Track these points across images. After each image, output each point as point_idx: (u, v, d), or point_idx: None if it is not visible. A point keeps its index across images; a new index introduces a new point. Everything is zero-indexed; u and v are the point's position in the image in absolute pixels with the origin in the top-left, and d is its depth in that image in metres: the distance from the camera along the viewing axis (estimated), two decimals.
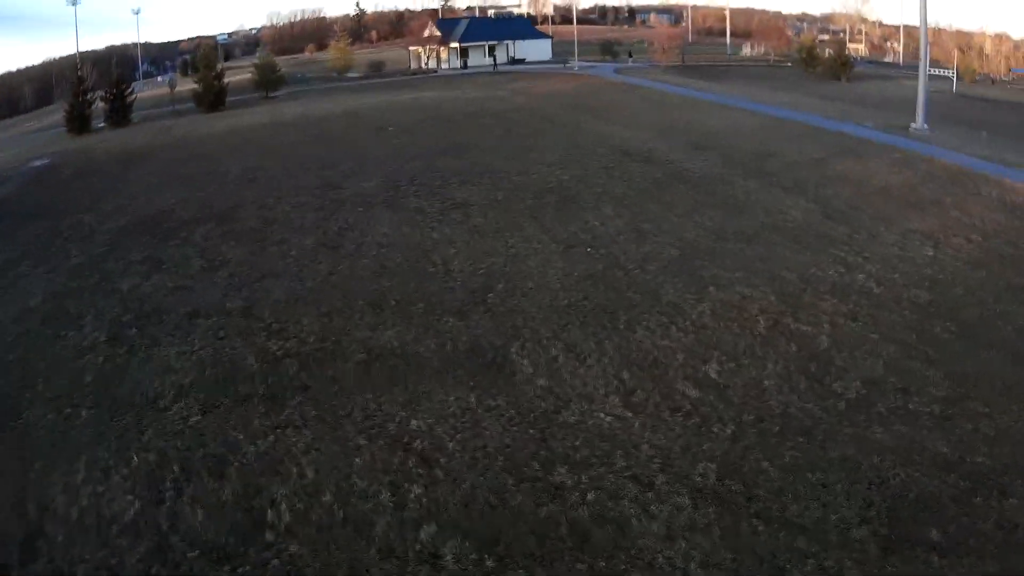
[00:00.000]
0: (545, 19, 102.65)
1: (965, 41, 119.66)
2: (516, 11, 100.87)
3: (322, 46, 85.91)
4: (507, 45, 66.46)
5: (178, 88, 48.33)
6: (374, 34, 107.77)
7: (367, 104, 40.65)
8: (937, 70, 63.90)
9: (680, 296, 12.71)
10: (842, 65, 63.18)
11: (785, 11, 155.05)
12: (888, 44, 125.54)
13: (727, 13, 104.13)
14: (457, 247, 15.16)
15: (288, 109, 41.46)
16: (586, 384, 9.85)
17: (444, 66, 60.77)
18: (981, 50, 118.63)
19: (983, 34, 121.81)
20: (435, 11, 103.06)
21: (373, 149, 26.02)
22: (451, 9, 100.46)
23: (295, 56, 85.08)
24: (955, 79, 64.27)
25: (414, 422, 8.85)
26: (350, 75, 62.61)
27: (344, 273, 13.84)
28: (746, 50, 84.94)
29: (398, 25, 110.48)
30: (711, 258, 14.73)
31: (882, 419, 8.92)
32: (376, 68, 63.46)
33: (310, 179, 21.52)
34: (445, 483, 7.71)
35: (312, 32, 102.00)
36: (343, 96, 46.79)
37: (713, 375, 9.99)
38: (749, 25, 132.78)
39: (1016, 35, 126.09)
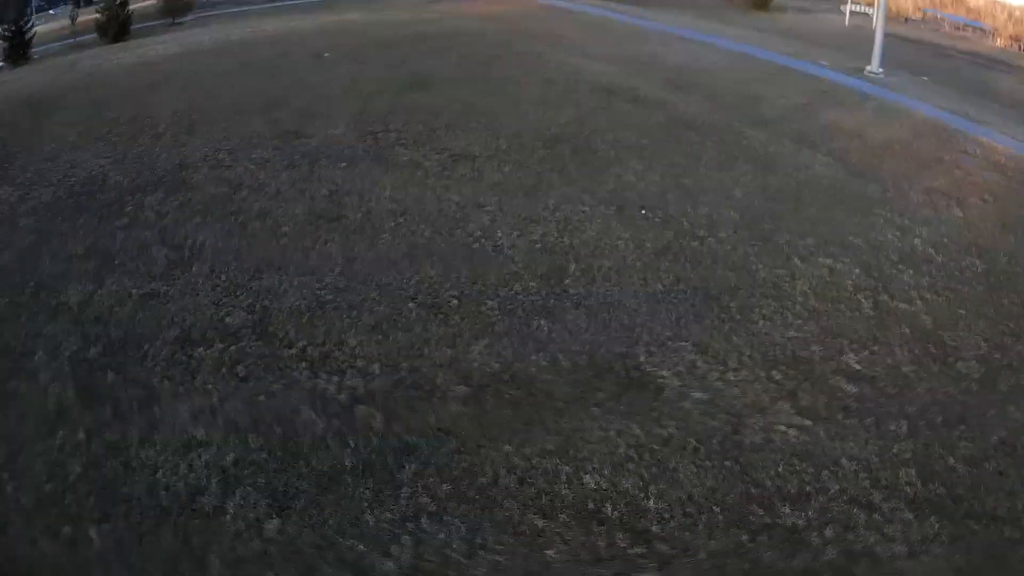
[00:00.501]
0: None
1: None
2: None
3: None
4: None
5: (79, 20, 43.10)
6: None
7: (288, 28, 35.69)
8: (857, 7, 64.03)
9: (771, 272, 11.28)
10: None
11: None
12: None
13: None
14: (490, 213, 12.41)
15: (201, 35, 35.91)
16: (744, 392, 8.43)
17: None
18: None
19: None
20: None
21: (319, 82, 22.23)
22: None
23: None
24: (875, 16, 64.53)
25: (587, 477, 6.71)
26: None
27: (367, 258, 10.83)
28: None
29: None
30: (773, 221, 13.22)
31: (1010, 398, 8.73)
32: None
33: (260, 125, 17.84)
34: (677, 561, 5.96)
35: None
36: (257, 20, 41.16)
37: (856, 366, 9.11)
38: None
39: None
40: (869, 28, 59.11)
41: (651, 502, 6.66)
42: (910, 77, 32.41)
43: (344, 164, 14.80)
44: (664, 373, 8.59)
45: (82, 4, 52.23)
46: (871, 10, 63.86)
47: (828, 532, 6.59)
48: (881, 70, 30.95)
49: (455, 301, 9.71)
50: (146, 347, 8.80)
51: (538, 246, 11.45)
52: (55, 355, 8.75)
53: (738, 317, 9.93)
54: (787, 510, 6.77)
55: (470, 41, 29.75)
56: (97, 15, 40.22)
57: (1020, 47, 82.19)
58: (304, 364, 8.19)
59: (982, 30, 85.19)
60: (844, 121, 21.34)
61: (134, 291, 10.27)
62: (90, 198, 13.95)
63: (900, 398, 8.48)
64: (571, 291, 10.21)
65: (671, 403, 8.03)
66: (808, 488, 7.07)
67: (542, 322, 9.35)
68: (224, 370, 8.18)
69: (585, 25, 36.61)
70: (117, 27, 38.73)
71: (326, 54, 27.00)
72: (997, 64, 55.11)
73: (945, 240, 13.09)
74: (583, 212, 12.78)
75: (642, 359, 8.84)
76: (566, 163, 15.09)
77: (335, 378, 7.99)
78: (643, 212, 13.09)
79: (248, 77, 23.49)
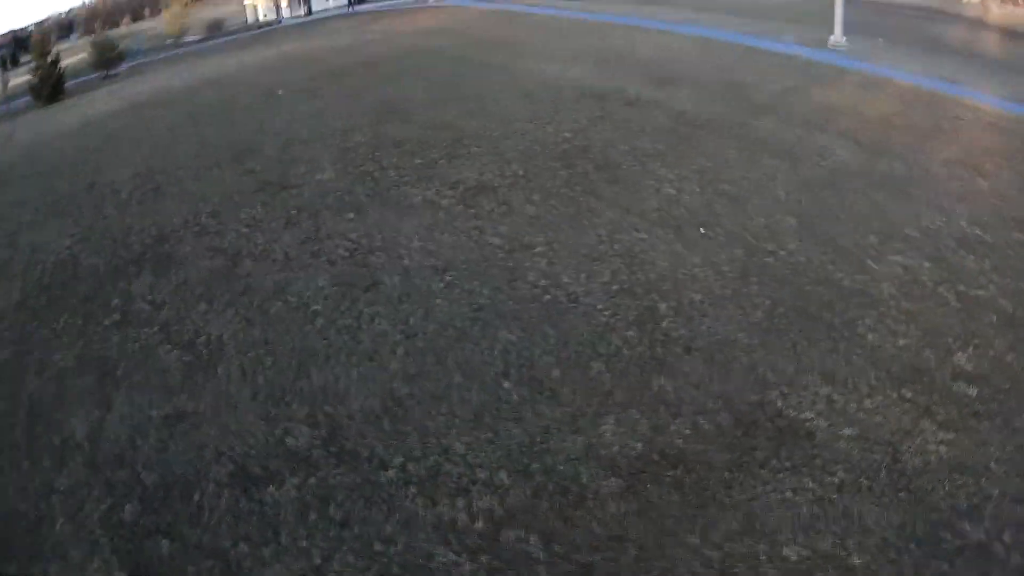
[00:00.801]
0: None
1: None
2: None
3: (137, 17, 77.66)
4: None
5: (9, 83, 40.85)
6: None
7: (231, 67, 33.85)
8: None
9: (854, 279, 10.31)
10: None
11: None
12: None
13: None
14: (543, 254, 10.94)
15: (139, 86, 33.86)
16: (887, 418, 7.65)
17: (285, 15, 52.52)
18: None
19: None
20: None
21: (283, 123, 20.39)
22: None
23: (113, 31, 74.09)
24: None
25: (787, 550, 6.00)
26: (188, 39, 53.44)
27: (428, 331, 9.21)
28: None
29: None
30: (827, 220, 12.19)
31: None
32: (215, 27, 54.05)
33: (235, 178, 16.03)
34: None
35: (125, 4, 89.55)
36: (193, 64, 39.19)
37: (968, 367, 8.48)
38: None
39: None
40: None
41: (855, 558, 6.07)
42: (871, 43, 32.17)
43: (351, 214, 13.11)
44: (808, 415, 7.61)
45: (9, 67, 49.11)
46: None
47: (1007, 538, 6.29)
48: (844, 39, 30.65)
49: (556, 371, 8.19)
50: (197, 495, 6.94)
51: (614, 288, 10.02)
52: (81, 521, 6.84)
53: (847, 334, 8.98)
54: (967, 527, 6.44)
55: (427, 60, 28.19)
56: (28, 76, 38.78)
57: None
58: (413, 489, 6.54)
59: None
60: (836, 100, 20.67)
61: (154, 413, 8.38)
62: (66, 290, 11.96)
63: (1016, 392, 7.98)
64: (673, 334, 8.83)
65: (828, 446, 7.20)
66: (976, 500, 6.73)
67: (661, 380, 7.97)
68: (313, 515, 6.44)
69: (534, 27, 35.41)
70: (51, 87, 36.88)
71: (279, 91, 25.15)
72: (936, 15, 55.99)
73: (985, 218, 12.52)
74: (642, 240, 11.39)
75: (780, 404, 7.74)
76: (595, 182, 13.67)
77: (460, 501, 6.41)
78: (702, 231, 11.80)
79: (204, 126, 21.48)
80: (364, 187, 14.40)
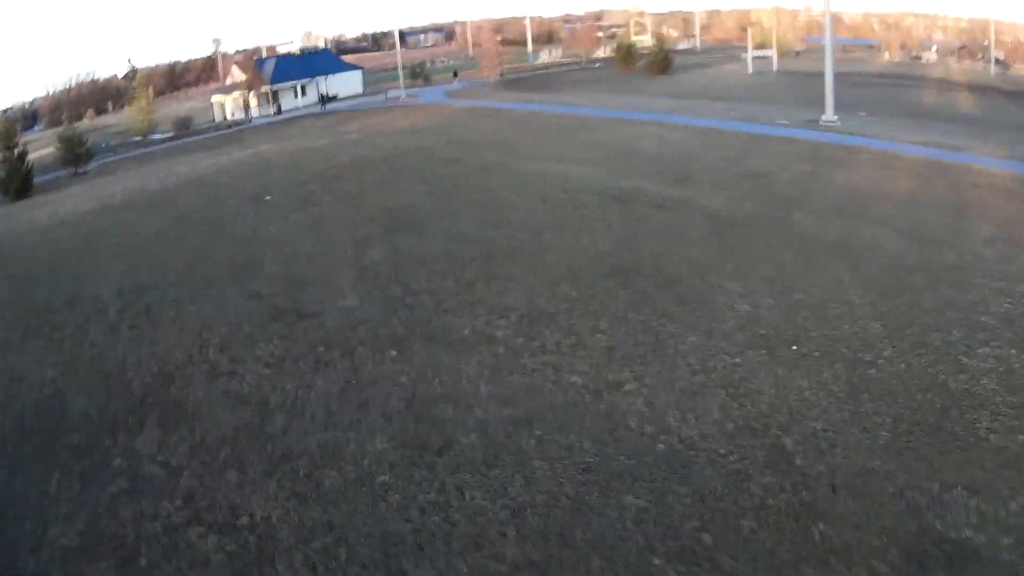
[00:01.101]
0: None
1: (746, 18, 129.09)
2: (283, 48, 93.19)
3: (100, 110, 76.73)
4: (318, 82, 59.13)
5: None
6: (150, 91, 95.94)
7: (206, 168, 32.63)
8: (759, 52, 66.53)
9: (955, 378, 9.53)
10: (664, 60, 63.66)
11: (547, 15, 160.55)
12: (668, 32, 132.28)
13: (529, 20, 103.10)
14: (636, 393, 9.41)
15: (112, 185, 32.39)
16: None
17: (255, 114, 51.89)
18: (762, 24, 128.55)
19: (764, 9, 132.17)
20: (211, 59, 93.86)
21: (280, 234, 18.97)
22: (254, 52, 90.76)
23: (76, 124, 72.78)
24: (775, 58, 67.23)
25: None
26: (157, 136, 52.39)
27: (544, 510, 7.23)
28: (544, 56, 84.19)
29: (173, 78, 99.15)
30: (908, 320, 11.34)
31: None
32: (184, 125, 53.10)
33: (239, 301, 14.40)
34: None
35: (88, 96, 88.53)
36: (166, 162, 38.02)
37: None
38: (520, 32, 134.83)
39: (790, 5, 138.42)
40: (772, 72, 61.97)
41: None
42: (859, 118, 32.67)
43: (393, 352, 11.51)
44: (967, 533, 6.84)
45: None
46: (769, 53, 66.86)
47: None
48: (836, 117, 31.06)
49: (706, 537, 6.65)
50: None
51: (729, 426, 8.59)
52: None
53: (971, 439, 8.16)
54: None
55: (419, 162, 27.34)
56: None
57: (910, 57, 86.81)
58: None
59: (870, 46, 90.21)
60: (856, 181, 20.67)
61: None
62: (54, 439, 10.02)
63: None
64: (811, 473, 7.54)
65: (994, 560, 6.51)
66: None
67: (820, 526, 6.74)
68: None
69: (519, 124, 35.11)
70: (19, 182, 35.28)
71: (267, 197, 23.86)
72: (906, 80, 58.05)
73: None
74: (737, 365, 10.08)
75: (939, 527, 6.90)
76: (662, 303, 12.36)
77: None
78: (794, 348, 10.62)
79: (191, 235, 19.98)
80: (399, 317, 12.87)
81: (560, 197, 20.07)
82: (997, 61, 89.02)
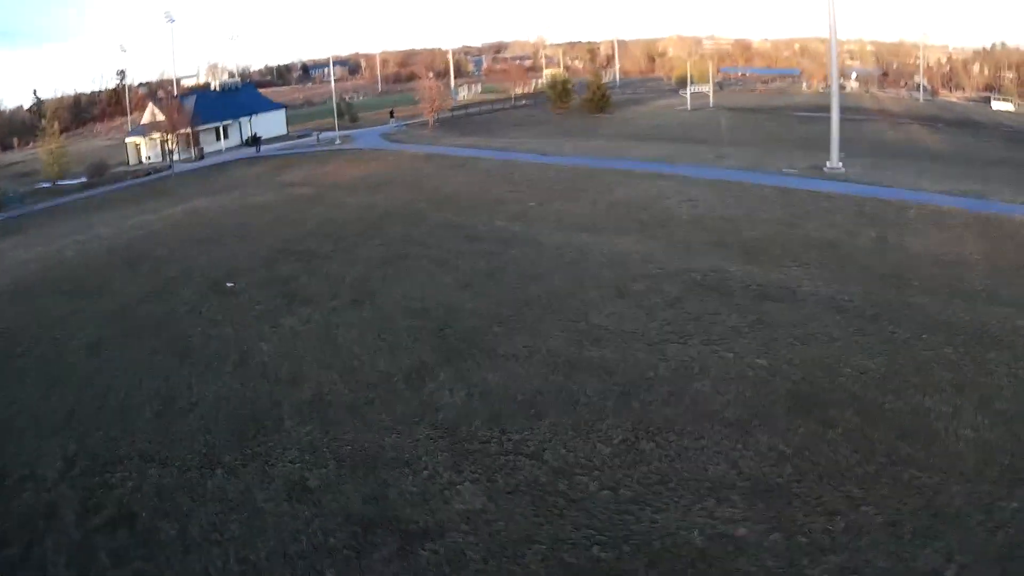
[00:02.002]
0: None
1: (653, 48, 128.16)
2: (187, 82, 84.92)
3: (6, 146, 67.01)
4: (240, 123, 51.83)
5: None
6: (55, 125, 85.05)
7: (135, 230, 26.17)
8: (695, 88, 64.49)
9: None
10: (603, 98, 60.54)
11: (444, 47, 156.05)
12: (574, 63, 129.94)
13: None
14: None
15: (27, 251, 25.49)
16: None
17: (175, 157, 43.78)
18: (666, 54, 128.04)
19: (668, 39, 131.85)
20: (116, 92, 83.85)
21: (286, 362, 13.36)
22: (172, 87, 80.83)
23: None
24: (711, 92, 65.24)
25: None
26: (68, 182, 43.76)
27: None
28: (463, 92, 79.74)
29: (78, 112, 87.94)
30: None
31: None
32: (99, 170, 44.51)
33: (285, 510, 9.00)
34: None
35: None
36: (87, 218, 30.94)
37: None
38: (428, 66, 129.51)
39: (690, 33, 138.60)
40: (711, 108, 59.92)
41: None
42: (858, 163, 29.64)
43: None
44: None
45: None
46: (705, 89, 64.96)
47: None
48: (840, 164, 28.36)
49: None
50: None
51: None
52: None
53: None
54: None
55: (411, 231, 22.00)
56: None
57: (835, 86, 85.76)
58: None
59: (792, 76, 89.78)
60: (932, 247, 18.06)
61: None
62: None
63: None
64: None
65: None
66: None
67: None
68: None
69: (501, 178, 29.80)
70: None
71: (231, 284, 18.09)
72: (850, 114, 56.11)
73: None
74: None
75: None
76: (883, 442, 9.07)
77: None
78: None
79: (142, 353, 14.21)
80: (562, 527, 7.89)
81: (636, 287, 15.52)
82: (923, 88, 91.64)
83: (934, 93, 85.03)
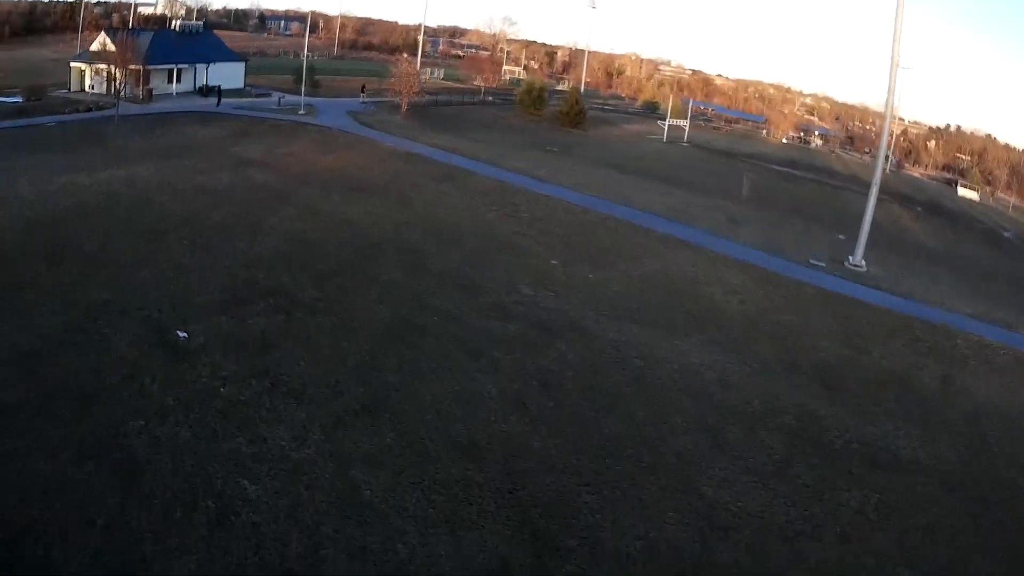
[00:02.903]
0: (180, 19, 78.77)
1: (610, 62, 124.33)
2: (143, 10, 75.41)
3: None
4: (196, 69, 44.23)
5: None
6: (6, 29, 73.61)
7: (62, 196, 20.60)
8: (672, 121, 61.04)
9: None
10: (579, 114, 56.45)
11: (402, 21, 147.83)
12: (531, 64, 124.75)
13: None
14: None
15: None
16: None
17: (123, 94, 35.50)
18: (620, 71, 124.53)
19: (627, 56, 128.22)
20: (71, 6, 73.55)
21: (271, 499, 8.86)
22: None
23: None
24: (686, 127, 61.85)
25: None
26: (2, 99, 35.76)
27: None
28: (425, 75, 73.61)
29: (32, 20, 77.19)
30: None
31: None
32: (37, 92, 36.70)
33: None
34: None
35: None
36: (12, 163, 24.29)
37: None
38: (384, 38, 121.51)
39: (646, 55, 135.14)
40: (686, 144, 56.96)
41: None
42: (876, 258, 27.15)
43: None
44: None
45: None
46: (683, 123, 61.74)
47: None
48: (863, 263, 25.62)
49: None
50: None
51: None
52: None
53: None
54: None
55: (406, 275, 17.56)
56: None
57: (797, 139, 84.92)
58: None
59: (758, 124, 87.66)
60: (975, 389, 16.06)
61: None
62: None
63: None
64: None
65: None
66: None
67: None
68: None
69: (500, 208, 25.23)
70: None
71: (181, 333, 13.11)
72: (825, 177, 54.66)
73: None
74: None
75: None
76: None
77: None
78: None
79: (36, 460, 9.14)
80: None
81: (731, 434, 12.28)
82: (886, 157, 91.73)
83: (899, 166, 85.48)
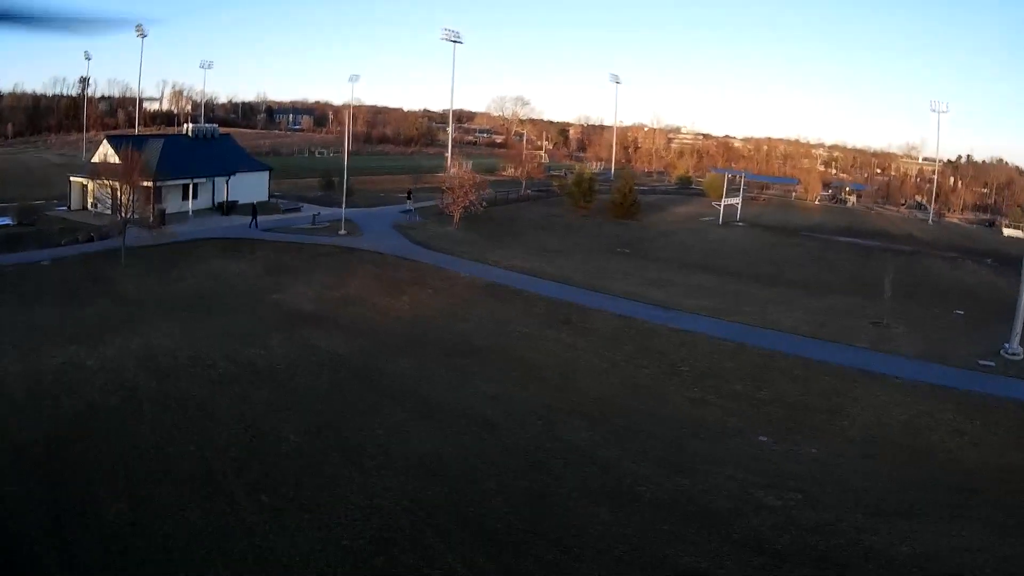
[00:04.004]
0: (188, 119, 74.33)
1: (623, 136, 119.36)
2: (149, 105, 71.20)
3: None
4: (214, 183, 37.62)
5: None
6: (9, 127, 68.58)
7: (58, 391, 14.78)
8: (729, 200, 54.77)
9: None
10: (632, 204, 50.40)
11: (407, 107, 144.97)
12: (552, 146, 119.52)
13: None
14: None
15: None
16: None
17: (130, 215, 26.98)
18: (636, 144, 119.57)
19: (638, 128, 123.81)
20: (75, 101, 69.56)
21: None
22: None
23: None
24: (738, 205, 55.60)
25: None
26: None
27: None
28: (451, 169, 67.66)
29: (35, 117, 72.82)
30: None
31: None
32: (30, 214, 30.91)
33: None
34: None
35: None
36: None
37: None
38: (396, 126, 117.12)
39: (653, 123, 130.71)
40: (744, 225, 51.01)
41: None
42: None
43: None
44: None
45: None
46: (735, 201, 55.52)
47: None
48: (1020, 348, 21.20)
49: None
50: None
51: None
52: None
53: None
54: None
55: None
56: None
57: (831, 199, 78.17)
58: None
59: (792, 186, 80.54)
60: None
61: None
62: None
63: None
64: None
65: None
66: None
67: None
68: None
69: (649, 361, 18.68)
70: None
71: None
72: (886, 241, 48.50)
73: None
74: None
75: None
76: None
77: None
78: None
79: None
80: None
81: None
82: (922, 206, 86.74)
83: (939, 215, 79.34)
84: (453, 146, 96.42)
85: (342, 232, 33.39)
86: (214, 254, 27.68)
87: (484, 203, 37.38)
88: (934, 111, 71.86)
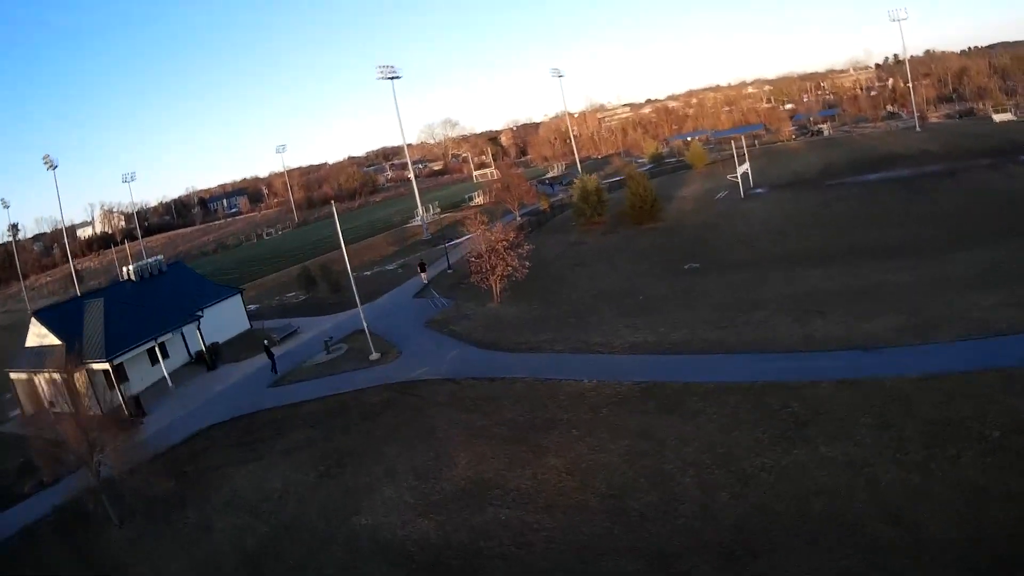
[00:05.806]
0: (125, 236, 65.09)
1: (555, 128, 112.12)
2: (82, 233, 62.69)
3: None
4: (182, 332, 27.69)
5: None
6: None
7: None
8: (742, 169, 48.09)
9: None
10: (653, 205, 42.87)
11: (354, 153, 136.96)
12: (481, 158, 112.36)
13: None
14: None
15: None
16: None
17: (100, 413, 17.39)
18: (578, 133, 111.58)
19: (569, 117, 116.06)
20: (7, 251, 60.47)
21: None
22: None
23: None
24: (748, 171, 49.29)
25: None
26: None
27: None
28: (419, 215, 59.56)
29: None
30: None
31: None
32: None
33: None
34: None
35: None
36: None
37: None
38: (332, 180, 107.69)
39: (574, 107, 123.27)
40: (757, 190, 44.11)
41: None
42: None
43: None
44: None
45: None
46: (744, 168, 48.63)
47: None
48: None
49: None
50: None
51: None
52: None
53: None
54: None
55: None
56: None
57: (809, 133, 73.39)
58: None
59: (759, 131, 75.39)
60: None
61: None
62: None
63: None
64: None
65: None
66: None
67: None
68: None
69: None
70: None
71: None
72: (929, 162, 42.56)
73: None
74: None
75: None
76: None
77: None
78: None
79: None
80: None
81: None
82: (896, 115, 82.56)
83: (923, 120, 74.58)
84: (395, 185, 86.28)
85: (374, 356, 24.74)
86: (230, 461, 18.79)
87: (527, 264, 28.97)
88: (894, 20, 67.77)
